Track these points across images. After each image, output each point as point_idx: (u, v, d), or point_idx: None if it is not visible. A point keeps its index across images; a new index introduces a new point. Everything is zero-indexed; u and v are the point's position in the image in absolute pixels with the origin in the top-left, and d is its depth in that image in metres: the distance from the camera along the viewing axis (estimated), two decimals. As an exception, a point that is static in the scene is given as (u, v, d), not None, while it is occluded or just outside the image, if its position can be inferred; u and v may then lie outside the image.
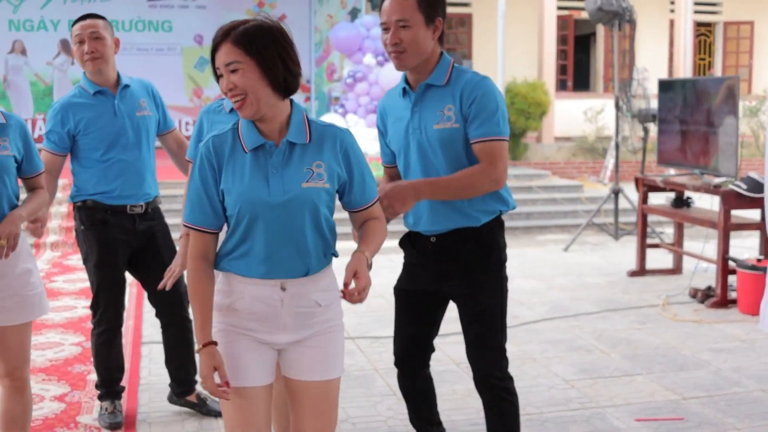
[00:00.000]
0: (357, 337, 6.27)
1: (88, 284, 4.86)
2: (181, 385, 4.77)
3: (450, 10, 20.85)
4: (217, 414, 4.67)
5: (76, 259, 9.25)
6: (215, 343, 2.73)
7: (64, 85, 16.01)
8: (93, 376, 5.39)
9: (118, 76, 4.49)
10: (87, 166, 4.45)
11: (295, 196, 2.69)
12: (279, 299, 2.73)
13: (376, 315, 6.92)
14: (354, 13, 16.03)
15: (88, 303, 7.34)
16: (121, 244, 4.53)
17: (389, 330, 6.40)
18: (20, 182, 3.66)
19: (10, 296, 3.52)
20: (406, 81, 3.42)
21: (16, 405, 3.66)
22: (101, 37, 4.34)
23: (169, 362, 4.80)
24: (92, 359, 4.71)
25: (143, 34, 16.58)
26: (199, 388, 4.78)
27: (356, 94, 14.55)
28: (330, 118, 14.63)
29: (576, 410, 4.85)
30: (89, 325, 6.60)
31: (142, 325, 6.63)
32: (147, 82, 4.69)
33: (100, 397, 4.68)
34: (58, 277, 8.62)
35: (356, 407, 4.89)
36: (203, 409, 4.74)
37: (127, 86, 4.50)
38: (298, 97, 17.33)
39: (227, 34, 2.64)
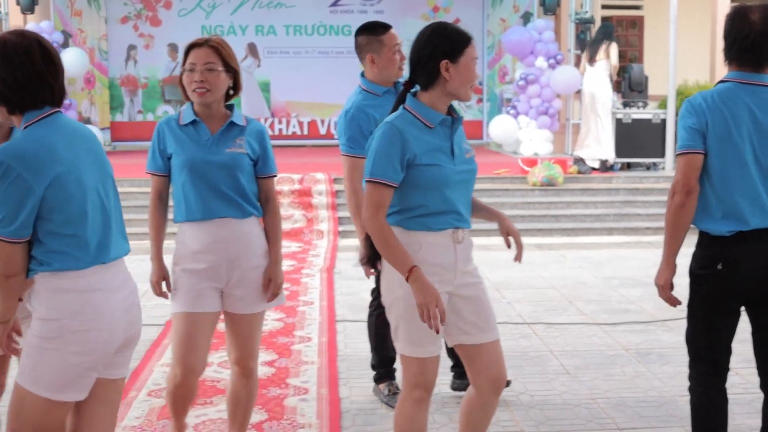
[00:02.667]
0: (532, 323, 6.77)
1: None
2: (461, 367, 5.26)
3: (621, 12, 20.84)
4: None
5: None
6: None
7: (249, 86, 17.02)
8: (297, 347, 6.12)
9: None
10: None
11: None
12: None
13: (549, 304, 7.41)
14: (526, 17, 16.41)
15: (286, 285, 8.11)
16: None
17: (561, 317, 6.94)
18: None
19: (248, 286, 3.90)
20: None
21: (242, 388, 4.07)
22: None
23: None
24: (370, 341, 5.23)
25: (324, 38, 17.45)
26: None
27: (528, 96, 14.96)
28: (501, 119, 15.10)
29: (738, 394, 5.18)
30: (288, 304, 7.35)
31: (335, 305, 7.32)
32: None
33: (377, 380, 5.18)
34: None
35: (533, 383, 5.38)
36: None
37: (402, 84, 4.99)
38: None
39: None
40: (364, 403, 5.07)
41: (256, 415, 4.80)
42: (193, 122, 3.84)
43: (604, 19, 17.92)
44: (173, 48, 17.35)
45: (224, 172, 3.81)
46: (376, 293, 5.10)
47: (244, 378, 4.06)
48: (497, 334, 3.61)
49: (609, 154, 13.24)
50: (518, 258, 3.63)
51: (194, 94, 3.79)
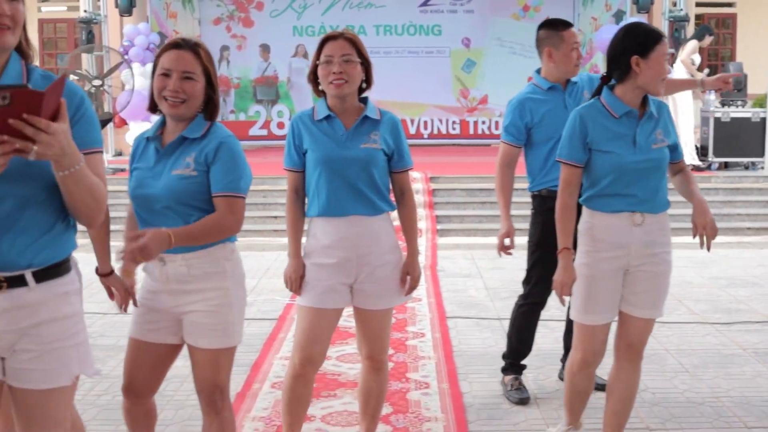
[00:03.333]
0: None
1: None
2: None
3: (712, 10, 20.50)
4: (600, 387, 4.97)
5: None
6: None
7: (340, 86, 17.21)
8: (412, 342, 6.19)
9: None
10: (539, 158, 4.94)
11: None
12: None
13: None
14: (619, 16, 16.27)
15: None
16: None
17: (672, 316, 6.92)
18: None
19: (377, 282, 3.88)
20: None
21: (374, 382, 4.09)
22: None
23: (568, 334, 5.24)
24: (508, 329, 5.25)
25: (414, 38, 17.51)
26: None
27: (620, 95, 14.84)
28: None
29: None
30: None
31: (443, 302, 7.39)
32: (588, 75, 5.10)
33: (504, 370, 5.22)
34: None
35: (653, 380, 5.36)
36: None
37: (575, 83, 4.96)
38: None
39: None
40: (486, 398, 5.11)
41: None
42: (328, 117, 3.84)
43: (697, 17, 17.70)
44: (265, 48, 17.59)
45: (359, 168, 3.81)
46: (526, 284, 5.12)
47: (375, 372, 4.09)
48: (658, 314, 3.97)
49: (686, 154, 13.08)
50: (704, 246, 3.85)
51: (331, 86, 3.77)
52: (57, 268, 2.63)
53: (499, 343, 6.16)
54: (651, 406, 4.95)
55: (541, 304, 5.10)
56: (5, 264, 2.53)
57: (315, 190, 3.86)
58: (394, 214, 3.97)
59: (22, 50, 2.59)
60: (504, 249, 4.92)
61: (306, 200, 3.99)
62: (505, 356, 5.24)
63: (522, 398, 5.02)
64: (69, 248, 2.68)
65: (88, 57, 15.42)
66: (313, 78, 3.86)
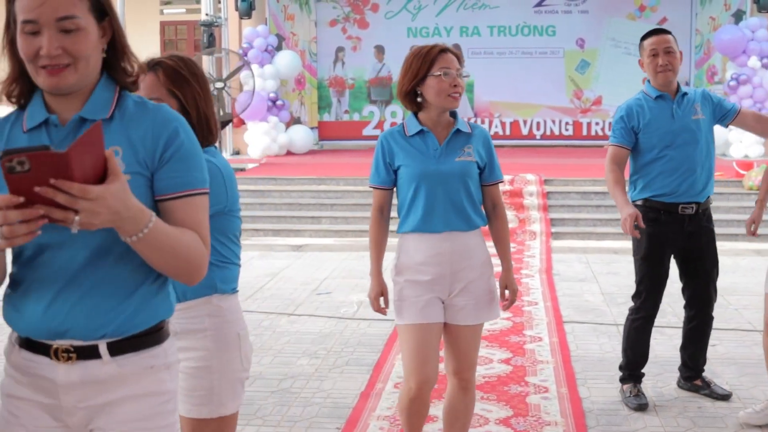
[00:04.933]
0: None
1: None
2: (689, 370, 5.36)
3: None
4: (719, 397, 5.20)
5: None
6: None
7: (453, 87, 17.39)
8: (530, 346, 6.30)
9: (678, 85, 5.04)
10: (642, 165, 5.01)
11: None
12: None
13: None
14: (738, 15, 16.00)
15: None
16: (670, 241, 5.00)
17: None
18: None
19: (469, 296, 3.81)
20: None
21: (460, 402, 3.95)
22: (672, 51, 4.90)
23: (684, 349, 5.36)
24: (622, 343, 5.30)
25: (528, 39, 17.54)
26: (705, 374, 5.37)
27: (739, 97, 14.63)
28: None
29: None
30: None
31: (560, 307, 7.46)
32: (705, 91, 5.11)
33: (623, 380, 5.29)
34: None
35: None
36: (705, 391, 5.28)
37: (685, 94, 5.01)
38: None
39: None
40: (605, 404, 5.19)
41: (502, 411, 5.03)
42: (420, 132, 3.78)
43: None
44: (380, 50, 17.85)
45: (456, 182, 3.76)
46: (636, 299, 5.17)
47: (462, 391, 3.96)
48: None
49: None
50: None
51: (449, 99, 3.71)
52: (140, 339, 2.12)
53: (616, 349, 6.22)
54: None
55: (653, 316, 5.16)
56: (77, 331, 2.06)
57: (409, 207, 3.82)
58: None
59: (118, 74, 2.15)
60: (633, 231, 4.77)
61: (389, 216, 3.95)
62: (621, 367, 5.30)
63: (640, 404, 5.08)
64: (160, 314, 2.17)
65: (208, 59, 15.89)
66: (410, 92, 3.77)
